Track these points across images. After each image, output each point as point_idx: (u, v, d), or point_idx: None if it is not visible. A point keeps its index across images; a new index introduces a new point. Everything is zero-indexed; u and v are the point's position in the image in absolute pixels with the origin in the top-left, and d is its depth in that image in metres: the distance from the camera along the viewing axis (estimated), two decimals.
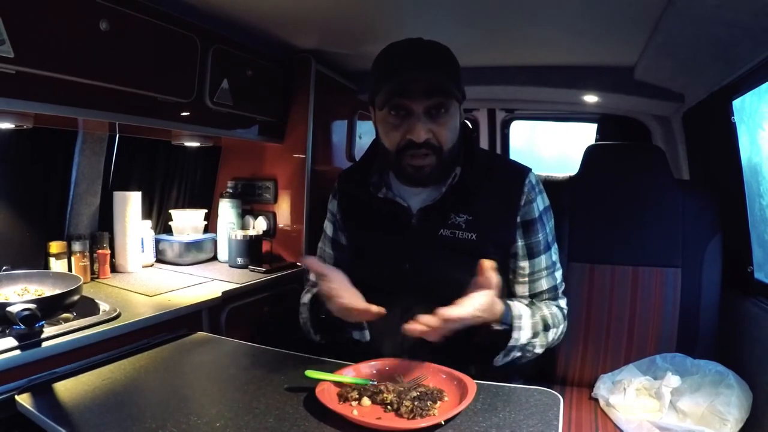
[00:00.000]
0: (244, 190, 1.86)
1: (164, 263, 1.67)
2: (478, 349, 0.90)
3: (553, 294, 1.01)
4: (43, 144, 1.33)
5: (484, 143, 2.70)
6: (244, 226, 1.82)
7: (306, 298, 1.05)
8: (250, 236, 1.66)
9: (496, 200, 0.96)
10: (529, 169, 1.00)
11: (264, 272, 1.58)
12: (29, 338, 0.90)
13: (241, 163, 1.90)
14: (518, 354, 0.92)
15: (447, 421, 0.70)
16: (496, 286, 0.81)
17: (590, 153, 1.48)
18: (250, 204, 1.86)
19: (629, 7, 1.13)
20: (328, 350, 0.98)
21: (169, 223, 1.75)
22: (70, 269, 1.35)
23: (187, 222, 1.73)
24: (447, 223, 0.95)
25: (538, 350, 0.94)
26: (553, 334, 0.95)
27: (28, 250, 1.32)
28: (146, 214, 1.68)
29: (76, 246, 1.36)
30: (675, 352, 1.27)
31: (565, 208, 1.35)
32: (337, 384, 0.79)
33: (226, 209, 1.77)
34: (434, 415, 0.71)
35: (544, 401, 0.78)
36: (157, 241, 1.68)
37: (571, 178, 1.46)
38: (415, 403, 0.72)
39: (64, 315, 1.04)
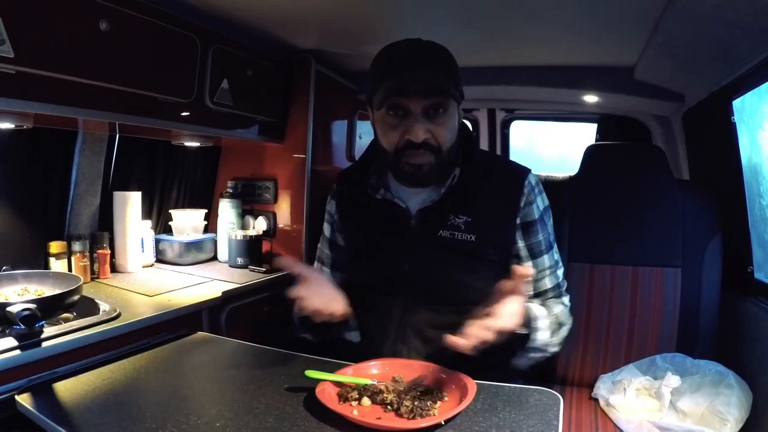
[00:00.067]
0: (244, 190, 1.86)
1: (164, 263, 1.67)
2: (498, 352, 0.90)
3: (557, 292, 1.01)
4: (43, 144, 1.33)
5: (484, 143, 2.69)
6: (244, 226, 1.82)
7: None
8: (250, 236, 1.66)
9: (496, 201, 0.96)
10: (529, 170, 1.00)
11: (264, 272, 1.58)
12: (29, 338, 0.90)
13: (241, 163, 1.90)
14: (539, 355, 0.92)
15: (447, 421, 0.70)
16: (525, 293, 0.80)
17: (590, 153, 1.49)
18: (250, 204, 1.86)
19: (629, 7, 1.13)
20: (328, 350, 0.97)
21: (169, 223, 1.75)
22: (70, 269, 1.35)
23: (187, 222, 1.73)
24: (446, 224, 0.95)
25: (554, 349, 0.94)
26: (564, 332, 0.96)
27: (28, 250, 1.32)
28: (146, 214, 1.68)
29: (76, 246, 1.36)
30: (675, 352, 1.27)
31: (565, 208, 1.35)
32: (337, 384, 0.79)
33: (226, 209, 1.77)
34: (434, 415, 0.71)
35: (544, 401, 0.78)
36: (157, 241, 1.68)
37: (571, 178, 1.46)
38: (415, 403, 0.72)
39: (64, 315, 1.04)
